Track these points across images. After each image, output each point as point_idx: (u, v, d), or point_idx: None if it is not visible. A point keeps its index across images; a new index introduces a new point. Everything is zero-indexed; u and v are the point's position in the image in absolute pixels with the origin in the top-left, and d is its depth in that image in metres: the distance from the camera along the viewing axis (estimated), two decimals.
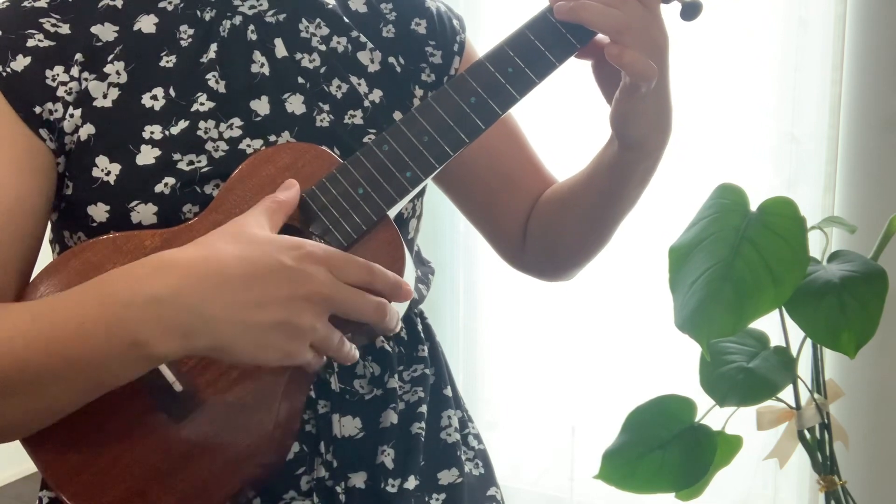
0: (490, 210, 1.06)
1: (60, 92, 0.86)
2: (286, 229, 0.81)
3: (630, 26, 0.81)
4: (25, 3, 0.88)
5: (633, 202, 0.98)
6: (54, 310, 0.75)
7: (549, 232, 1.03)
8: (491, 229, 1.08)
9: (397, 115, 0.94)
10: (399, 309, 0.81)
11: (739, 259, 1.28)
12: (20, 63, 0.86)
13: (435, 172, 0.83)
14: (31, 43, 0.86)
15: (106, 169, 0.85)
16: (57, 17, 0.88)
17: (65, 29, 0.87)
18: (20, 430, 0.79)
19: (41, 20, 0.87)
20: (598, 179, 0.95)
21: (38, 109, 0.85)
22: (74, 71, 0.87)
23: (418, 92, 0.97)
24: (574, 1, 0.82)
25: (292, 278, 0.73)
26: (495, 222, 1.07)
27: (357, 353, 0.79)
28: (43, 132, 0.86)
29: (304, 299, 0.74)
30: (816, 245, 1.44)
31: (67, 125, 0.86)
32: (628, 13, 0.81)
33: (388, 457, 0.91)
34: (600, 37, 0.84)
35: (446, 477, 0.96)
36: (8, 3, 0.88)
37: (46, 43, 0.87)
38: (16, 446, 0.82)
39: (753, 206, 1.35)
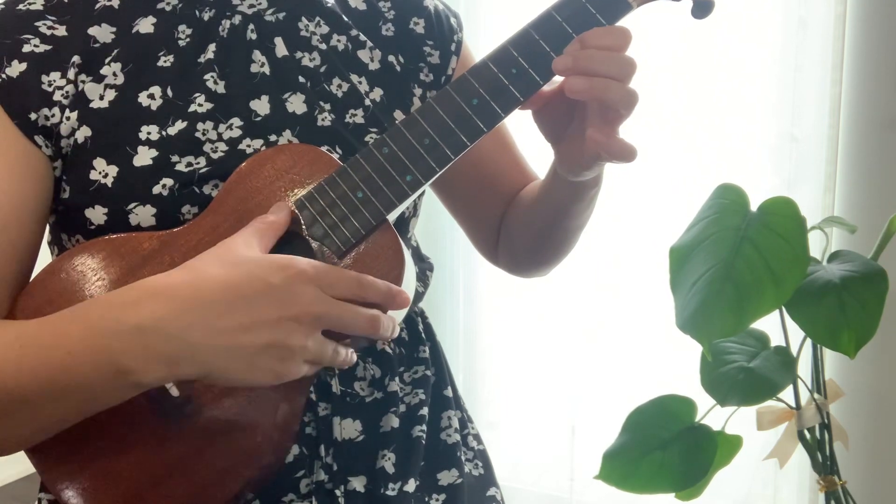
0: (470, 207, 1.07)
1: (57, 96, 0.85)
2: (289, 235, 0.81)
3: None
4: (20, 6, 0.87)
5: (584, 220, 0.99)
6: (42, 337, 0.75)
7: (513, 237, 1.04)
8: (469, 225, 1.09)
9: (398, 114, 0.94)
10: (397, 315, 0.80)
11: (740, 259, 1.28)
12: (15, 69, 0.84)
13: (436, 176, 0.81)
14: (26, 48, 0.85)
15: (103, 171, 0.84)
16: (53, 18, 0.86)
17: (61, 31, 0.86)
18: (13, 447, 0.80)
19: (37, 23, 0.86)
20: (549, 198, 0.95)
21: (33, 116, 0.84)
22: (71, 74, 0.85)
23: (417, 91, 0.96)
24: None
25: (280, 299, 0.73)
26: (474, 218, 1.08)
27: (355, 357, 0.79)
28: (38, 139, 0.85)
29: (293, 320, 0.73)
30: (816, 245, 1.44)
31: (64, 128, 0.85)
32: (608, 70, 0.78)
33: (388, 461, 0.91)
34: (549, 86, 0.82)
35: (446, 477, 0.96)
36: (2, 6, 0.87)
37: (43, 47, 0.85)
38: None
39: (753, 206, 1.35)
